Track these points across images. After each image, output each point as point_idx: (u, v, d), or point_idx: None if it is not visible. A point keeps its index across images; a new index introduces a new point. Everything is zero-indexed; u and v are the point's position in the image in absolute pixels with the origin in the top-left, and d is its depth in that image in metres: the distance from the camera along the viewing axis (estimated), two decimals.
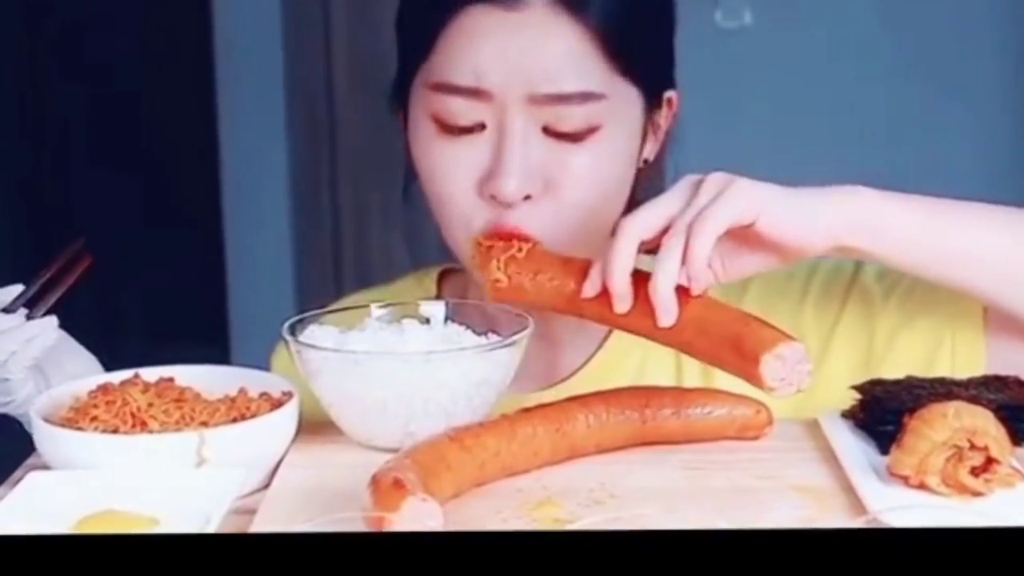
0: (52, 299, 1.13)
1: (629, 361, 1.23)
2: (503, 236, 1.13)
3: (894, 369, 1.13)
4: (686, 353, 1.06)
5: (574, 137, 1.13)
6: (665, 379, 1.21)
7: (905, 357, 1.16)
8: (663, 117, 1.21)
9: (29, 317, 1.11)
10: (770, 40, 3.06)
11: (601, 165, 1.14)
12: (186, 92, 3.54)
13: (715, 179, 1.02)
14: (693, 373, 1.21)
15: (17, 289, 1.12)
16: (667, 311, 1.01)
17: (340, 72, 3.20)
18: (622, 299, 1.02)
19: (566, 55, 1.12)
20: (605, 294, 1.03)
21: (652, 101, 1.19)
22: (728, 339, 0.99)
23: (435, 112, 1.15)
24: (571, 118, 1.12)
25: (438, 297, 1.28)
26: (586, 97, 1.12)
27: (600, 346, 1.25)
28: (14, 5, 3.58)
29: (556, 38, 1.12)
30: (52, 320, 1.12)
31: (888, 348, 1.17)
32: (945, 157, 2.99)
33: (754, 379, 0.97)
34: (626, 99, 1.15)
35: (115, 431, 0.99)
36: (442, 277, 1.32)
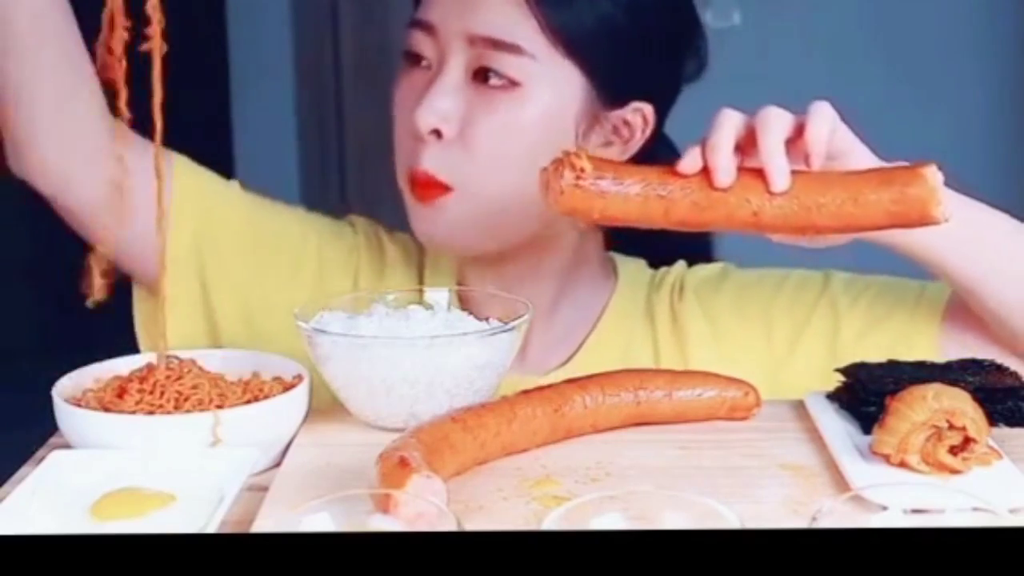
0: None
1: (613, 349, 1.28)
2: (416, 178, 1.18)
3: None
4: (798, 232, 0.99)
5: (495, 86, 1.17)
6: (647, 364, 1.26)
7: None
8: (628, 122, 1.23)
9: None
10: (759, 41, 3.07)
11: (513, 121, 1.17)
12: (200, 82, 3.55)
13: None
14: (672, 358, 1.26)
15: None
16: (781, 171, 0.97)
17: (348, 62, 3.22)
18: (726, 171, 0.97)
19: (502, 5, 1.17)
20: (701, 179, 0.98)
21: (605, 96, 1.21)
22: (873, 181, 0.97)
23: (405, 47, 1.22)
24: (494, 64, 1.17)
25: None
26: (514, 49, 1.17)
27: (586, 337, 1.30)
28: None
29: None
30: None
31: (852, 353, 1.20)
32: (926, 155, 3.00)
33: (922, 199, 0.96)
34: (560, 73, 1.19)
35: (134, 411, 1.01)
36: None
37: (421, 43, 1.21)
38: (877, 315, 1.23)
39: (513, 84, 1.18)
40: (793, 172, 0.99)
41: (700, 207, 0.98)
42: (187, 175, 1.29)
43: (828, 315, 1.25)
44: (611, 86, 1.21)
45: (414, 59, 1.22)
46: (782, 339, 1.25)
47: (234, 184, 1.34)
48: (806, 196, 0.98)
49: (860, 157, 1.05)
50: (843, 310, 1.24)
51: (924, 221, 0.98)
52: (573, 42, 1.18)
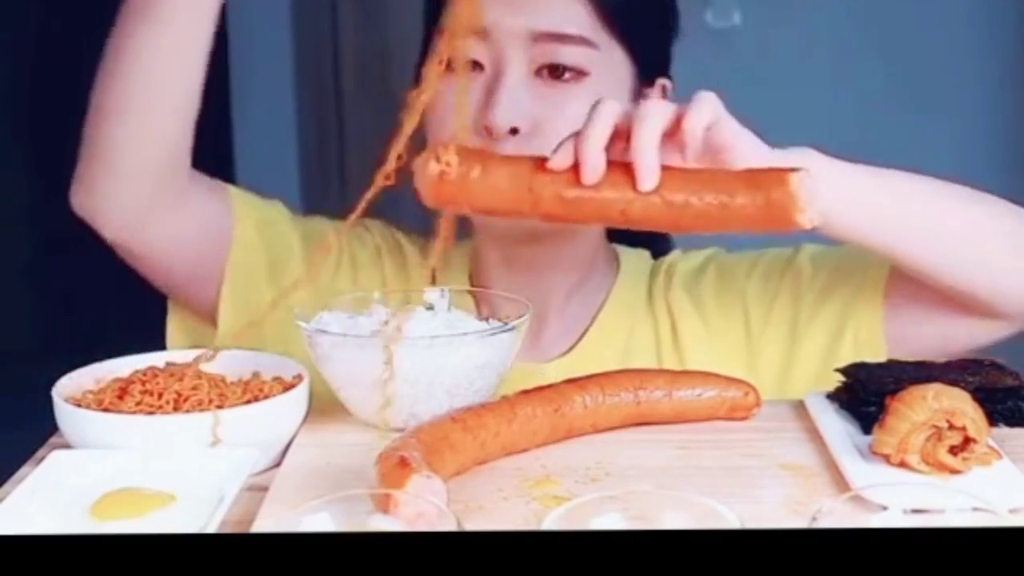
0: None
1: (615, 343, 1.29)
2: None
3: (811, 342, 1.21)
4: (668, 230, 1.00)
5: (564, 79, 1.18)
6: (648, 355, 1.28)
7: (820, 331, 1.23)
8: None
9: None
10: (759, 41, 3.07)
11: (585, 109, 1.18)
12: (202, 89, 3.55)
13: None
14: (669, 355, 1.28)
15: None
16: (649, 171, 0.96)
17: (348, 69, 3.22)
18: (594, 169, 0.96)
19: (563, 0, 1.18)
20: (570, 174, 0.97)
21: (643, 76, 1.25)
22: (741, 183, 0.95)
23: (441, 54, 1.21)
24: (564, 59, 1.18)
25: None
26: (580, 41, 1.19)
27: (587, 328, 1.31)
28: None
29: None
30: None
31: (808, 323, 1.24)
32: (926, 156, 3.00)
33: (784, 205, 0.94)
34: (614, 57, 1.22)
35: (134, 412, 1.01)
36: None
37: (469, 49, 1.19)
38: (828, 292, 1.25)
39: (581, 75, 1.19)
40: (665, 169, 0.97)
41: (567, 202, 0.98)
42: (247, 205, 1.32)
43: (790, 297, 1.27)
44: (647, 64, 1.25)
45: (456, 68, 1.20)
46: (756, 322, 1.27)
47: (280, 204, 1.36)
48: (674, 195, 0.96)
49: (747, 152, 1.01)
50: (804, 286, 1.27)
51: (789, 226, 0.96)
52: (621, 22, 1.20)
